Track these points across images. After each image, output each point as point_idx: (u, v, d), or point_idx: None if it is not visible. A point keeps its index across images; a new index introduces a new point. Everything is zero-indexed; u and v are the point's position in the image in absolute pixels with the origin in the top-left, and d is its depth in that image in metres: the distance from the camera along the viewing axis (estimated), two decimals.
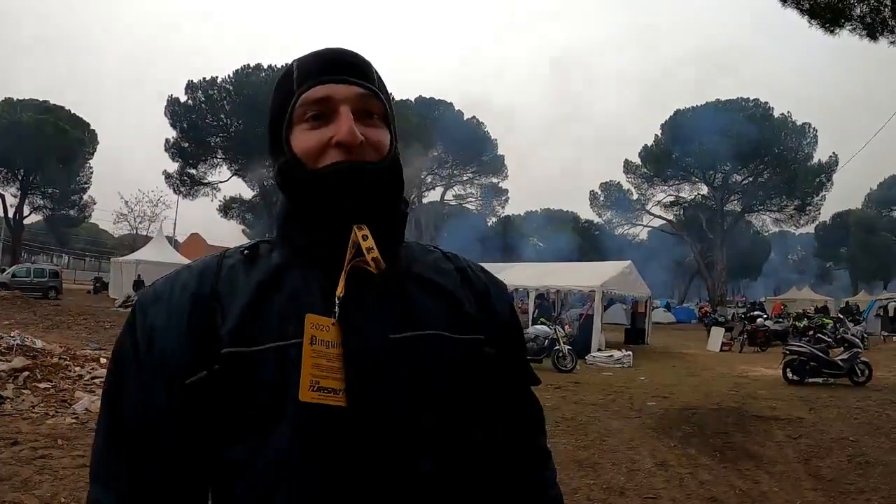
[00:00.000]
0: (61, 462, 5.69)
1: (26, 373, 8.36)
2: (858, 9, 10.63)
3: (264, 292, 0.96)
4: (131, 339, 0.97)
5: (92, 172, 49.28)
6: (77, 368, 9.17)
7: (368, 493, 0.88)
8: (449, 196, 55.07)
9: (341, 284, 0.94)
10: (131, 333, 0.97)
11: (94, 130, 48.39)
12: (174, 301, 0.96)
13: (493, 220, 58.33)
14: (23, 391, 7.91)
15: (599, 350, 17.60)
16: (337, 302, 0.93)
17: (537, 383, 1.22)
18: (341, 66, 1.01)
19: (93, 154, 48.27)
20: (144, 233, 58.99)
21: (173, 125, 38.06)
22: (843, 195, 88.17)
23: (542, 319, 17.71)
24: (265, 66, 38.83)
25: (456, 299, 1.06)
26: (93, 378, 8.86)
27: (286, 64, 1.07)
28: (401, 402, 0.92)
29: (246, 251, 1.03)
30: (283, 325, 0.93)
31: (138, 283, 29.38)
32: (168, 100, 37.87)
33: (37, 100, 47.28)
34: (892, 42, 10.66)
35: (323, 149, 0.97)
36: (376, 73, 1.05)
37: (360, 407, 0.89)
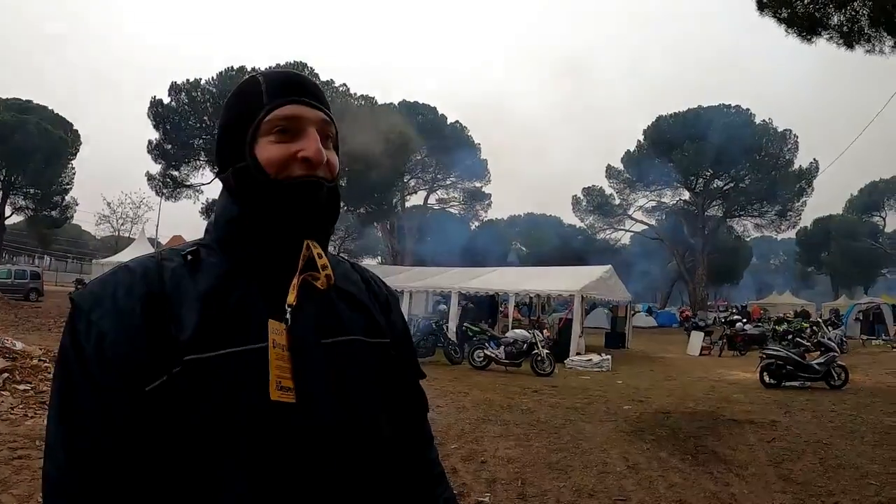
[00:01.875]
0: (39, 462, 5.67)
1: (5, 374, 8.35)
2: (836, 18, 10.78)
3: (213, 300, 0.99)
4: (78, 349, 0.94)
5: (74, 173, 48.08)
6: None
7: (317, 476, 0.97)
8: (432, 200, 54.90)
9: (293, 294, 1.02)
10: (76, 343, 0.94)
11: (76, 130, 47.46)
12: (120, 304, 0.95)
13: (476, 224, 58.27)
14: (2, 392, 7.89)
15: (579, 354, 17.66)
16: (288, 310, 1.01)
17: (424, 377, 1.38)
18: (309, 91, 1.10)
19: (75, 154, 47.31)
20: (127, 234, 58.74)
21: (156, 127, 37.44)
22: (825, 201, 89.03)
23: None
24: (249, 69, 38.54)
25: (368, 308, 1.20)
26: None
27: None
28: (332, 396, 1.02)
29: (188, 256, 1.05)
30: (236, 331, 0.98)
31: None
32: (151, 101, 37.39)
33: (20, 99, 46.49)
34: (867, 51, 10.82)
35: (287, 162, 1.04)
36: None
37: (306, 402, 0.98)
